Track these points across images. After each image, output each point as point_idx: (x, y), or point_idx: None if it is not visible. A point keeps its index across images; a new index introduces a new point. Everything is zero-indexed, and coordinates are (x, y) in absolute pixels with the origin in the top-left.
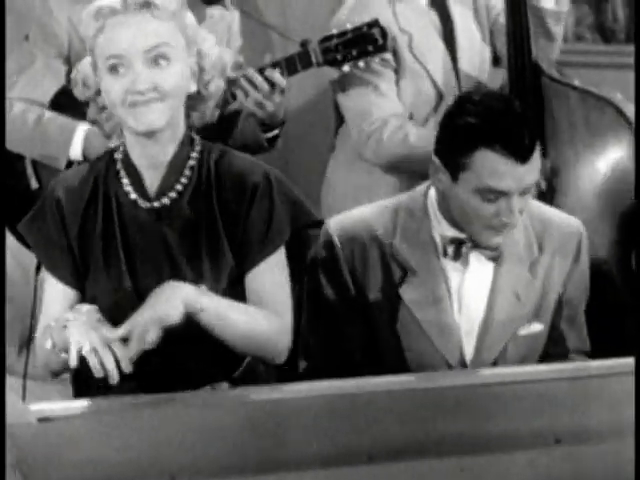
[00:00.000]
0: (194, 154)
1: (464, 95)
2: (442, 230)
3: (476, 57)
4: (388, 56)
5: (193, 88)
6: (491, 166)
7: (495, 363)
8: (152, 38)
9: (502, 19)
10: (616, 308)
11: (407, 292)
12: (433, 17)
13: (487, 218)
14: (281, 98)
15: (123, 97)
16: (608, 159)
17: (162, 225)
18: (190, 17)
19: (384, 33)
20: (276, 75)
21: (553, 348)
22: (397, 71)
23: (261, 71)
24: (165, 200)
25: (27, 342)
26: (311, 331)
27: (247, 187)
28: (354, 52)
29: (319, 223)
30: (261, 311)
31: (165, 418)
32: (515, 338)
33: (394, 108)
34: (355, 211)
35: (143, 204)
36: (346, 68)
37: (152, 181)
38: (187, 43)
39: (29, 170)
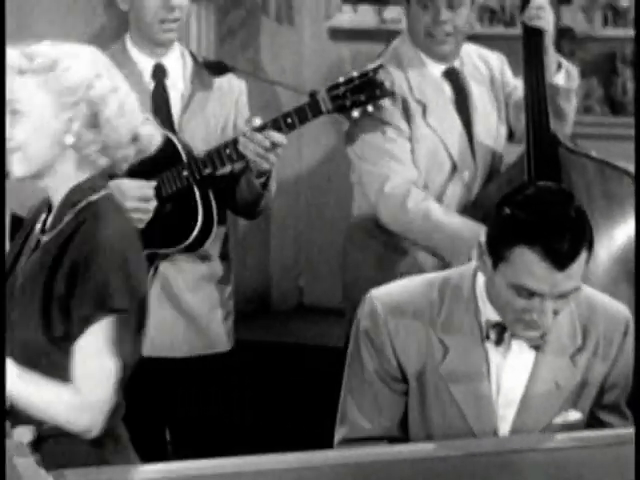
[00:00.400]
0: (84, 203)
1: (524, 184)
2: (487, 313)
3: (492, 131)
4: (403, 125)
5: (69, 141)
6: (528, 266)
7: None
8: (8, 93)
9: (518, 94)
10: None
11: (447, 370)
12: (447, 90)
13: (519, 312)
14: (280, 151)
15: None
16: (626, 228)
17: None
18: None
19: (390, 76)
20: (275, 135)
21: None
22: (411, 139)
23: (261, 129)
24: (45, 238)
25: None
26: (349, 400)
27: (92, 249)
28: (362, 97)
29: None
30: (67, 387)
31: None
32: (551, 426)
33: (411, 175)
34: (401, 282)
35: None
36: (355, 114)
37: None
38: (58, 101)
39: None
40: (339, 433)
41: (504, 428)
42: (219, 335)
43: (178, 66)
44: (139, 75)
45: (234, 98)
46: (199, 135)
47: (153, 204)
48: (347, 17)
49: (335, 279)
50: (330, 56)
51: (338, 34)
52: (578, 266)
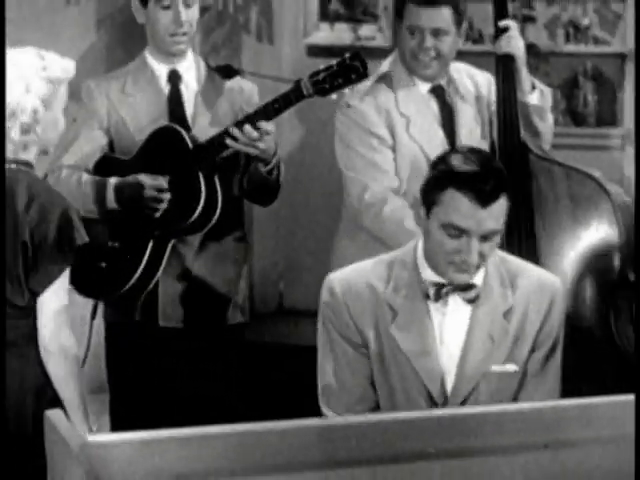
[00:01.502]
0: None
1: (453, 147)
2: (427, 275)
3: (475, 137)
4: (387, 136)
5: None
6: (456, 204)
7: (469, 395)
8: None
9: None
10: (595, 362)
11: (396, 330)
12: (433, 105)
13: (449, 253)
14: (271, 138)
15: None
16: (589, 227)
17: None
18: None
19: (364, 63)
20: (262, 123)
21: (523, 395)
22: (394, 150)
23: (249, 119)
24: None
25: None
26: (324, 367)
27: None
28: (340, 81)
29: None
30: None
31: None
32: (488, 375)
33: (392, 183)
34: (355, 265)
35: None
36: (334, 97)
37: None
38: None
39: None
40: (320, 390)
41: (449, 378)
42: (231, 310)
43: (191, 71)
44: (157, 80)
45: (245, 98)
46: (210, 129)
47: (167, 195)
48: (324, 35)
49: (313, 284)
50: (308, 71)
51: (315, 50)
52: (498, 207)
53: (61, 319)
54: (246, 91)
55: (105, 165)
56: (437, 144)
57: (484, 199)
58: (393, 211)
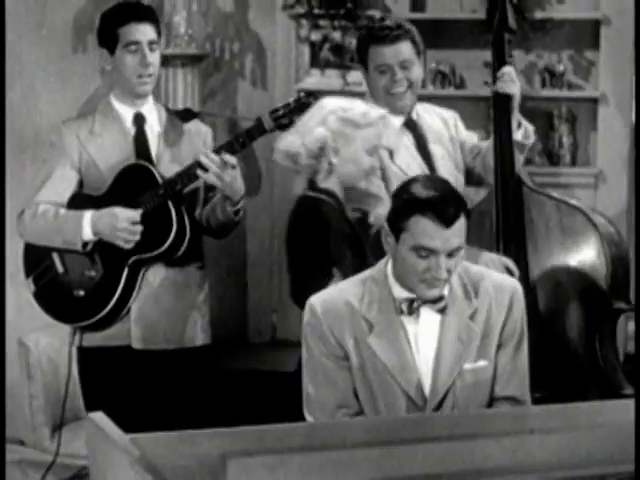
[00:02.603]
0: None
1: (412, 178)
2: (398, 292)
3: (452, 175)
4: (376, 164)
5: None
6: (423, 228)
7: (446, 394)
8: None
9: (471, 141)
10: (580, 385)
11: (373, 341)
12: (408, 137)
13: (421, 273)
14: (235, 172)
15: None
16: (578, 256)
17: None
18: None
19: (317, 100)
20: (227, 156)
21: (498, 387)
22: (384, 179)
23: (216, 151)
24: None
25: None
26: (308, 383)
27: None
28: (297, 116)
29: None
30: None
31: None
32: (462, 373)
33: (384, 210)
34: (332, 287)
35: None
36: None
37: None
38: None
39: (56, 259)
40: (306, 413)
41: (426, 381)
42: (196, 332)
43: (154, 114)
44: (123, 122)
45: (202, 139)
46: (173, 166)
47: (140, 227)
48: (315, 80)
49: (304, 317)
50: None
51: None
52: (460, 226)
53: None
54: (202, 132)
55: (78, 201)
56: (418, 171)
57: (447, 220)
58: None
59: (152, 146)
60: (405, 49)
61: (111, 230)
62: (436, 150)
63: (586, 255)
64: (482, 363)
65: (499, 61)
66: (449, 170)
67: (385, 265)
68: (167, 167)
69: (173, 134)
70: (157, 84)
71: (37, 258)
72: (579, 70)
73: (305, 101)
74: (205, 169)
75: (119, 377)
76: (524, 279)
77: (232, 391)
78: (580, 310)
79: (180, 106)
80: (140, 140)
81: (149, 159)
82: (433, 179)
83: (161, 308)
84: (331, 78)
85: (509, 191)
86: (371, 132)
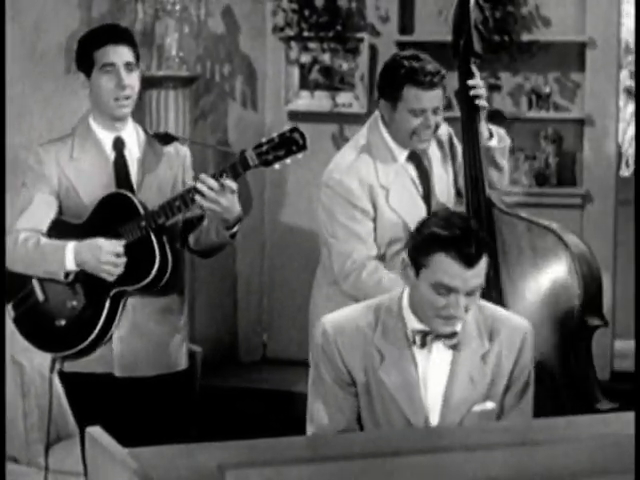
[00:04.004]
0: None
1: (434, 212)
2: (412, 324)
3: (445, 196)
4: (368, 207)
5: None
6: (444, 267)
7: None
8: None
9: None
10: (556, 402)
11: (384, 373)
12: (411, 171)
13: (438, 309)
14: (233, 197)
15: None
16: (549, 275)
17: None
18: None
19: (303, 137)
20: (227, 180)
21: None
22: (375, 220)
23: (213, 176)
24: None
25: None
26: (314, 404)
27: None
28: (281, 153)
29: None
30: None
31: None
32: (470, 414)
33: (371, 252)
34: (346, 309)
35: None
36: (277, 166)
37: None
38: None
39: (37, 287)
40: (309, 431)
41: (433, 417)
42: (178, 357)
43: (133, 137)
44: (102, 147)
45: (180, 161)
46: (153, 192)
47: (123, 259)
48: (304, 102)
49: (294, 335)
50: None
51: (296, 116)
52: (482, 266)
53: None
54: (181, 155)
55: (58, 229)
56: (415, 211)
57: (470, 261)
58: (370, 274)
59: (132, 172)
60: (439, 95)
61: (95, 262)
62: (436, 173)
63: (558, 274)
64: (490, 405)
65: (466, 73)
66: (444, 192)
67: (400, 295)
68: (147, 193)
69: (153, 158)
70: (149, 106)
71: (17, 284)
72: (565, 92)
73: (290, 136)
74: (202, 194)
75: (104, 403)
76: (498, 300)
77: (223, 410)
78: (554, 328)
79: (172, 127)
80: (120, 165)
81: (129, 185)
82: (457, 216)
83: (143, 335)
84: (321, 100)
85: (480, 212)
86: None
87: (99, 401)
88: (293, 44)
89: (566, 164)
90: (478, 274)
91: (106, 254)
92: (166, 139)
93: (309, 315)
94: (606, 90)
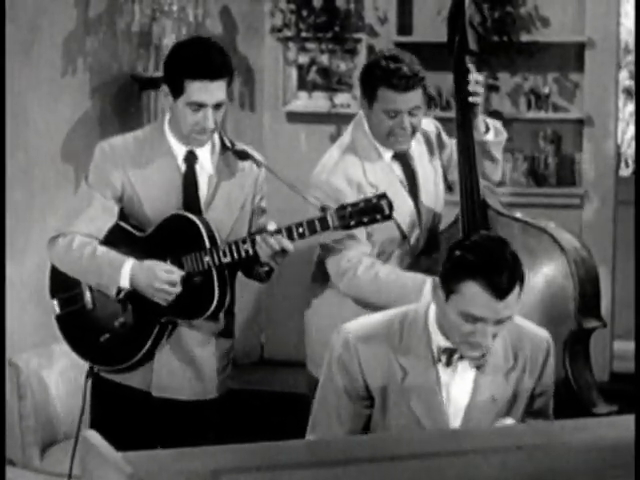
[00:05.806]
0: None
1: (468, 236)
2: (438, 340)
3: (432, 195)
4: None
5: None
6: (474, 297)
7: None
8: None
9: (452, 152)
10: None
11: (407, 388)
12: (397, 170)
13: (466, 335)
14: (285, 255)
15: None
16: (545, 277)
17: None
18: None
19: (390, 205)
20: (285, 241)
21: None
22: None
23: (277, 232)
24: None
25: (74, 445)
26: (319, 411)
27: None
28: (364, 219)
29: None
30: None
31: None
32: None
33: (365, 249)
34: (369, 318)
35: None
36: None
37: None
38: None
39: (87, 293)
40: (310, 437)
41: None
42: (214, 384)
43: (207, 152)
44: (174, 158)
45: (253, 179)
46: (221, 211)
47: (178, 289)
48: (302, 102)
49: (291, 336)
50: (287, 136)
51: (294, 117)
52: (513, 297)
53: None
54: (254, 172)
55: (117, 236)
56: (405, 209)
57: (501, 292)
58: (366, 269)
59: (201, 187)
60: (416, 97)
61: (149, 286)
62: (421, 173)
63: (554, 277)
64: (510, 421)
65: (459, 83)
66: (431, 191)
67: (426, 310)
68: (214, 212)
69: (225, 175)
70: (146, 106)
71: (66, 282)
72: (564, 92)
73: (376, 203)
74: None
75: (130, 417)
76: None
77: (221, 411)
78: (550, 331)
79: None
80: (189, 180)
81: (196, 202)
82: (490, 239)
83: (186, 359)
84: (318, 100)
85: (475, 214)
86: None
87: (127, 415)
88: (291, 45)
89: (565, 164)
90: (509, 305)
91: (161, 282)
92: (241, 155)
93: (304, 317)
94: (605, 90)
